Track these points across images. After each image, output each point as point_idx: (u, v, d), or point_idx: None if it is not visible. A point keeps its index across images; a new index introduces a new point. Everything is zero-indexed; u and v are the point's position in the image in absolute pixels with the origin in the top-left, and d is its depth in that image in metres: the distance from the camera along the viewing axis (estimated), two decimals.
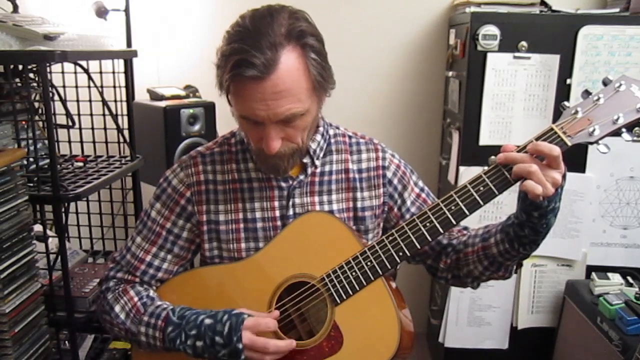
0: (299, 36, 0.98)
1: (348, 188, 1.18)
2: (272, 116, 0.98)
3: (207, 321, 1.05)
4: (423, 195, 1.23)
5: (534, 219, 0.99)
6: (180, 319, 1.07)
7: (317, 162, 1.16)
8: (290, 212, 1.15)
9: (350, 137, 1.22)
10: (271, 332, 1.06)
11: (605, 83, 0.99)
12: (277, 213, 1.15)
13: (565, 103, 1.02)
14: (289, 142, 1.04)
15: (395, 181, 1.21)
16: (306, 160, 1.14)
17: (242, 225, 1.15)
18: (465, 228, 1.23)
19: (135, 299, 1.13)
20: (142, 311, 1.11)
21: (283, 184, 1.15)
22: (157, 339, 1.08)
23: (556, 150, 0.94)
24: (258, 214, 1.15)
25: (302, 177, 1.15)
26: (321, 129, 1.17)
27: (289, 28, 0.97)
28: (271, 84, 0.95)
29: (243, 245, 1.15)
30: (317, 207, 1.16)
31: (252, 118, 1.00)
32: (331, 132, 1.20)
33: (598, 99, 0.97)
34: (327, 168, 1.17)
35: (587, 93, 1.00)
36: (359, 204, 1.17)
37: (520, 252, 1.05)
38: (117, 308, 1.14)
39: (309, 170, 1.15)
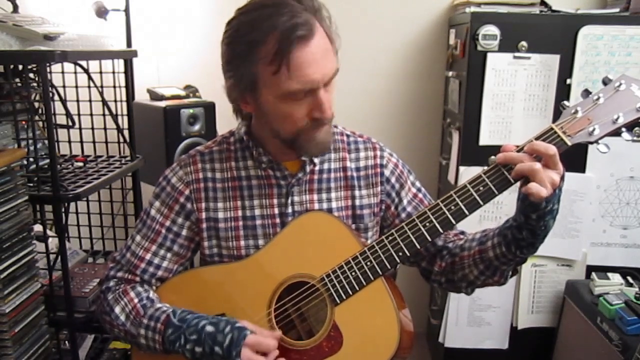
0: (315, 8, 1.02)
1: (346, 186, 1.18)
2: (325, 76, 1.00)
3: (209, 328, 1.04)
4: (420, 195, 1.23)
5: (532, 221, 0.99)
6: (181, 322, 1.06)
7: (316, 160, 1.16)
8: (289, 209, 1.15)
9: (348, 135, 1.22)
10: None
11: (605, 82, 0.99)
12: (276, 210, 1.15)
13: (565, 102, 1.01)
14: None
15: (393, 180, 1.21)
16: (304, 157, 1.14)
17: (241, 223, 1.15)
18: (462, 232, 1.22)
19: (136, 300, 1.13)
20: (142, 313, 1.11)
21: (282, 182, 1.15)
22: (157, 342, 1.08)
23: (552, 149, 0.93)
24: (257, 212, 1.15)
25: (300, 174, 1.15)
26: None
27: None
28: (316, 42, 0.98)
29: (242, 242, 1.15)
30: (316, 205, 1.16)
31: (307, 86, 0.99)
32: None
33: (598, 99, 0.97)
34: (325, 166, 1.18)
35: (587, 92, 0.99)
36: (357, 202, 1.18)
37: (518, 255, 1.04)
38: (117, 309, 1.13)
39: (308, 168, 1.16)
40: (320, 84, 1.00)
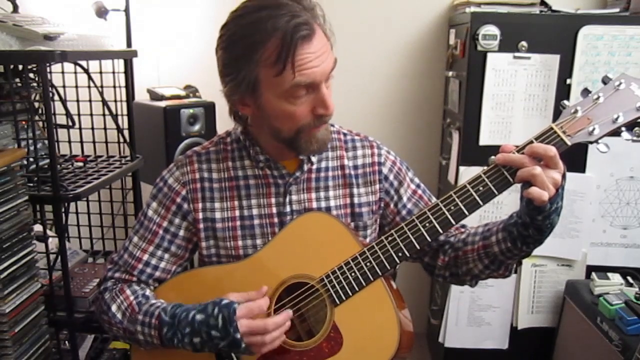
0: (310, 7, 1.03)
1: (345, 184, 1.18)
2: (325, 70, 1.02)
3: (199, 317, 1.04)
4: (419, 191, 1.23)
5: (538, 221, 0.99)
6: (172, 318, 1.06)
7: (313, 159, 1.17)
8: (287, 208, 1.15)
9: (345, 134, 1.23)
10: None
11: (605, 82, 0.98)
12: (274, 210, 1.15)
13: (565, 102, 1.01)
14: None
15: (391, 177, 1.21)
16: (302, 156, 1.14)
17: (238, 223, 1.15)
18: (463, 226, 1.22)
19: (131, 297, 1.13)
20: (137, 310, 1.11)
21: (279, 181, 1.15)
22: (154, 337, 1.08)
23: (552, 151, 0.93)
24: (255, 211, 1.15)
25: (298, 173, 1.15)
26: None
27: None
28: (317, 39, 1.00)
29: (240, 242, 1.15)
30: (314, 204, 1.16)
31: (310, 81, 1.00)
32: None
33: (598, 98, 0.97)
34: (323, 164, 1.18)
35: (586, 92, 0.99)
36: (355, 200, 1.18)
37: (524, 250, 1.05)
38: (114, 307, 1.13)
39: (305, 167, 1.16)
40: (322, 78, 1.01)
